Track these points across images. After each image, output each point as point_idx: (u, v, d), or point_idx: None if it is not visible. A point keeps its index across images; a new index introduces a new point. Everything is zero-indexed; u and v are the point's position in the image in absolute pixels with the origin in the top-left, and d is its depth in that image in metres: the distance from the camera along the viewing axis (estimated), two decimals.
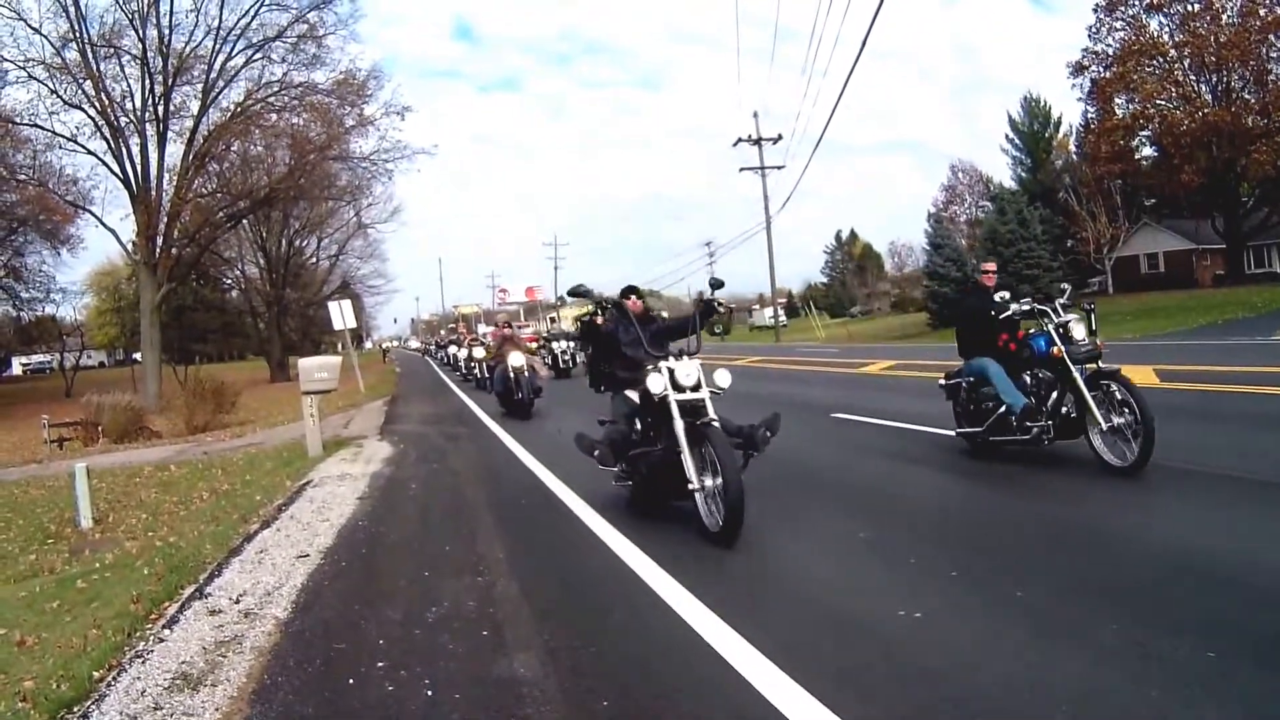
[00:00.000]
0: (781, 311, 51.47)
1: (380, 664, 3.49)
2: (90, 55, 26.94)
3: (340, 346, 41.51)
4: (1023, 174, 49.05)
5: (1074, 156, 46.45)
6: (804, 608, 3.84)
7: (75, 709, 3.32)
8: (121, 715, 3.18)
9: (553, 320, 42.66)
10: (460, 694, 3.14)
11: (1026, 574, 3.99)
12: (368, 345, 78.13)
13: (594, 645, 3.51)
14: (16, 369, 67.67)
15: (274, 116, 30.94)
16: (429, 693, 3.17)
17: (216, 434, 16.71)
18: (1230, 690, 2.74)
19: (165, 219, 28.78)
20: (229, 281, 54.49)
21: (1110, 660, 3.01)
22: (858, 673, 3.08)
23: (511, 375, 12.86)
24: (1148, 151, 41.66)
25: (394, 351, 74.32)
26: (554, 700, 3.03)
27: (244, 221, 38.12)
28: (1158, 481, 5.64)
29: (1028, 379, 6.52)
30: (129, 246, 30.30)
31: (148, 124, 28.38)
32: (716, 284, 5.94)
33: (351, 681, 3.34)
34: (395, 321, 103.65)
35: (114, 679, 3.54)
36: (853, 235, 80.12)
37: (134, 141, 28.40)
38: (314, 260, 55.44)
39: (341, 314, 22.02)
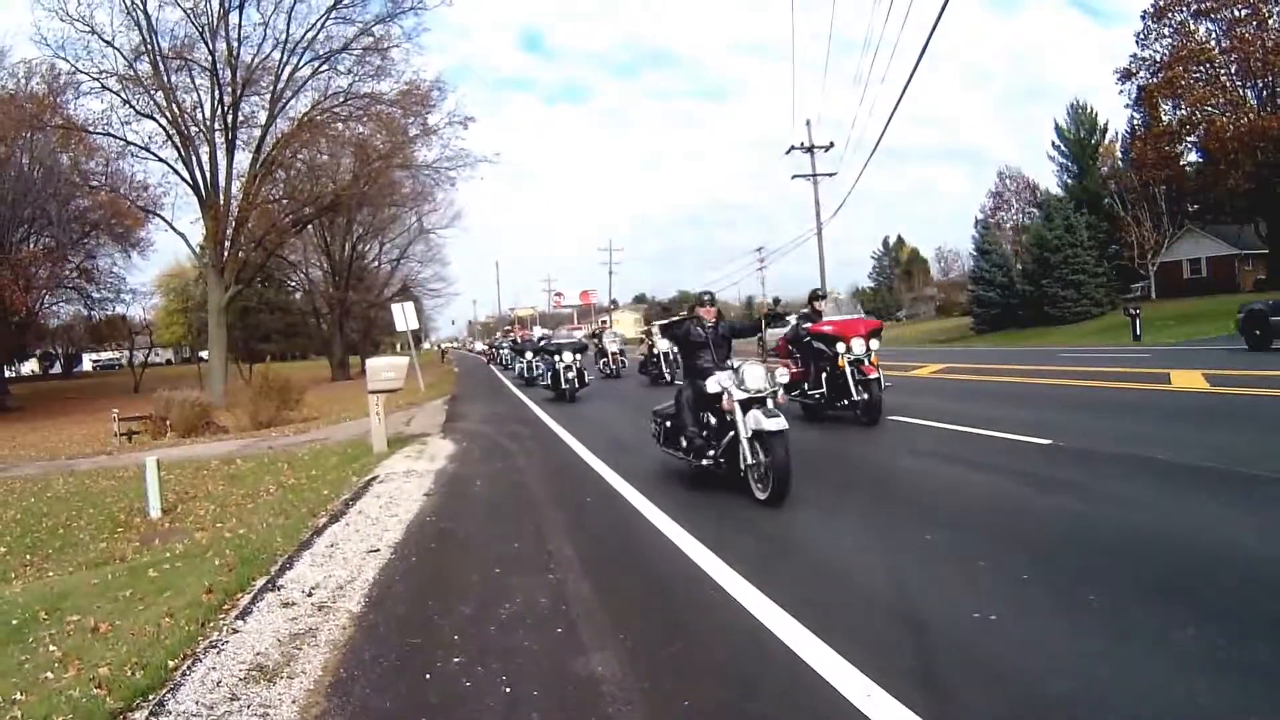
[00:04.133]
0: None
1: (456, 660, 3.39)
2: (161, 67, 27.85)
3: (399, 347, 42.13)
4: (1069, 180, 48.91)
5: (1120, 163, 46.04)
6: (876, 608, 3.68)
7: (151, 697, 3.27)
8: (198, 705, 3.11)
9: (604, 324, 42.77)
10: (539, 691, 3.04)
11: (1097, 578, 3.81)
12: (425, 346, 79.37)
13: (671, 646, 3.39)
14: (87, 365, 70.33)
15: (339, 126, 31.66)
16: (507, 690, 3.07)
17: (281, 429, 16.99)
18: None
19: (233, 224, 29.57)
20: (293, 284, 55.86)
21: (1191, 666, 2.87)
22: (935, 673, 2.95)
23: None
24: (1193, 157, 41.19)
25: (452, 353, 75.33)
26: (634, 700, 2.92)
27: (309, 226, 38.86)
28: (1222, 487, 5.40)
29: None
30: (197, 250, 31.26)
31: (217, 133, 29.23)
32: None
33: (428, 677, 3.24)
34: (453, 323, 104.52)
35: (189, 668, 3.49)
36: (900, 241, 79.22)
37: (203, 150, 29.29)
38: (376, 264, 56.43)
39: (404, 316, 22.28)
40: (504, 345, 37.69)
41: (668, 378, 17.76)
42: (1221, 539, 4.30)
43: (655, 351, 18.76)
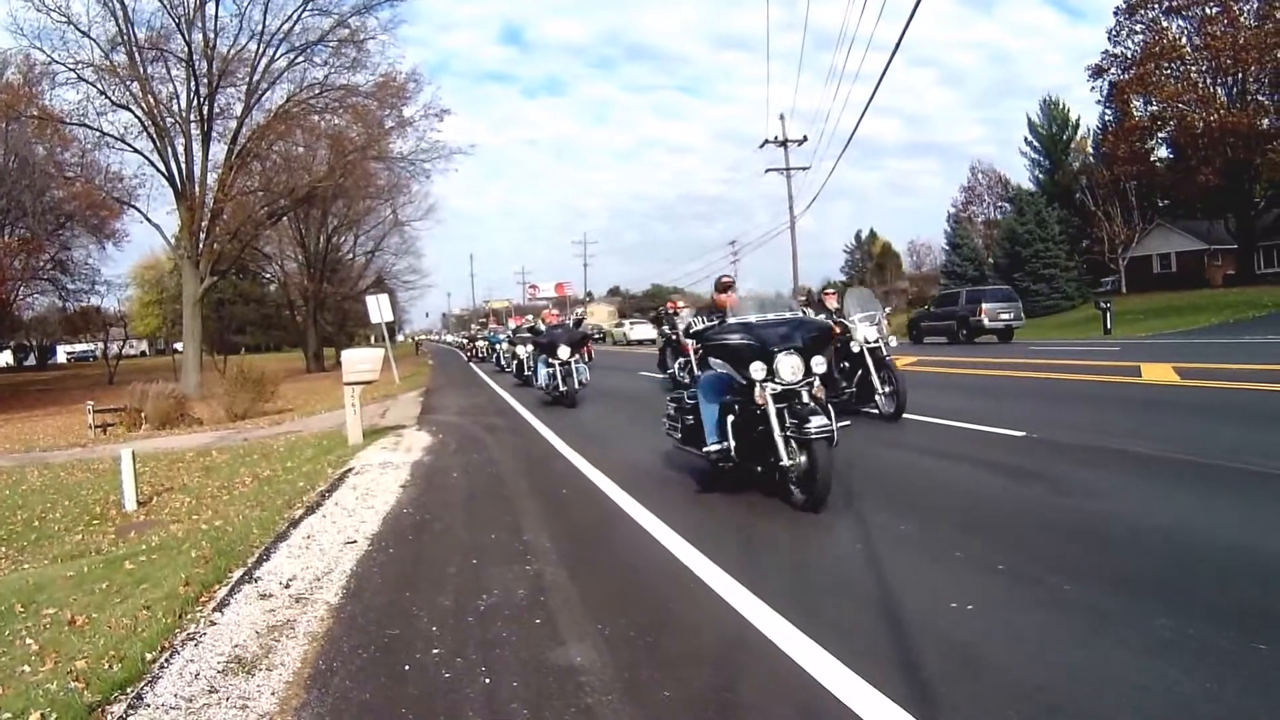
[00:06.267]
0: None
1: (435, 651, 3.42)
2: (138, 58, 27.51)
3: (373, 339, 41.95)
4: (1041, 175, 49.95)
5: (1091, 158, 46.86)
6: (854, 600, 3.72)
7: (129, 690, 3.28)
8: (176, 697, 3.12)
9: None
10: (518, 682, 3.07)
11: (1071, 569, 3.88)
12: (400, 338, 79.10)
13: (650, 635, 3.42)
14: (62, 357, 69.33)
15: (315, 117, 31.51)
16: (486, 680, 3.10)
17: (256, 421, 16.89)
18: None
19: (208, 216, 29.32)
20: (268, 275, 55.48)
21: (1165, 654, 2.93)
22: (914, 661, 3.00)
23: None
24: (1163, 153, 42.34)
25: (427, 344, 75.09)
26: (614, 690, 2.94)
27: (284, 218, 38.58)
28: (1195, 480, 5.54)
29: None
30: (172, 241, 30.96)
31: (193, 124, 28.90)
32: None
33: (407, 668, 3.27)
34: (427, 315, 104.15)
35: (167, 661, 3.49)
36: (872, 235, 79.67)
37: (179, 141, 28.97)
38: (351, 256, 56.02)
39: (379, 308, 22.21)
40: (500, 337, 26.76)
41: (885, 409, 9.19)
42: (1186, 529, 4.41)
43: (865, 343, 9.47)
